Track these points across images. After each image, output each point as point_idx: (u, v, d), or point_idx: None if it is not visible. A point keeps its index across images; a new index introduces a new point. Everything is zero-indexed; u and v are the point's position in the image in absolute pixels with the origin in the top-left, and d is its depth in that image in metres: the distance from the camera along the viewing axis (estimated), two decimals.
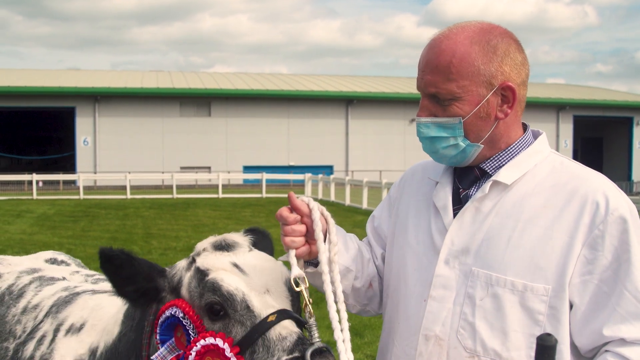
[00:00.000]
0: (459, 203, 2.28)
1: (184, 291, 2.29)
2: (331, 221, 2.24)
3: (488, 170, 2.25)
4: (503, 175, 2.19)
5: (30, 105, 49.35)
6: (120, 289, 2.34)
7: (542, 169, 2.21)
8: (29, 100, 48.18)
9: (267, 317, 2.11)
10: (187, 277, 2.30)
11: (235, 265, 2.25)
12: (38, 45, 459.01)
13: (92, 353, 2.73)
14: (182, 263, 2.40)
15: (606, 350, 2.05)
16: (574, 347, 2.13)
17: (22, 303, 3.27)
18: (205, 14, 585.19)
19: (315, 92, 52.94)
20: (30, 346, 2.96)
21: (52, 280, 3.42)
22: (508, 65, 2.16)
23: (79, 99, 48.16)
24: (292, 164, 51.95)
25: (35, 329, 3.04)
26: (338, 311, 2.11)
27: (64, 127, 55.72)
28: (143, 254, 13.77)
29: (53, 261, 3.81)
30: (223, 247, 2.34)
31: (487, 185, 2.20)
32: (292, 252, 2.18)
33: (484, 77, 2.13)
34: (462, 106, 2.15)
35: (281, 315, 2.13)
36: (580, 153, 62.11)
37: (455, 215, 2.25)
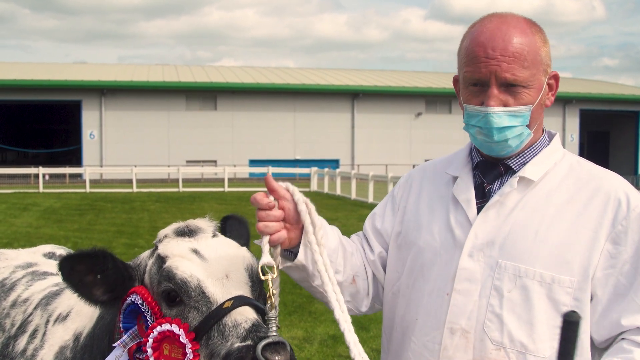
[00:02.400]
0: (481, 197, 2.30)
1: (146, 278, 2.29)
2: (312, 206, 2.16)
3: (513, 167, 2.28)
4: (529, 171, 2.24)
5: (37, 99, 49.48)
6: (90, 295, 2.29)
7: (561, 167, 2.28)
8: (36, 94, 48.29)
9: (223, 303, 2.10)
10: (149, 264, 2.31)
11: (195, 251, 2.24)
12: (45, 38, 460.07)
13: (77, 338, 2.74)
14: (145, 253, 2.40)
15: (622, 338, 2.11)
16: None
17: (12, 297, 3.26)
18: (212, 7, 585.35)
19: (321, 86, 52.91)
20: (23, 340, 2.96)
21: (45, 275, 3.41)
22: (549, 55, 2.24)
23: (85, 92, 48.25)
24: (298, 157, 51.97)
25: (25, 322, 3.04)
26: (335, 292, 2.09)
27: (70, 121, 55.83)
28: (149, 247, 13.73)
29: (51, 255, 3.79)
30: (185, 232, 2.33)
31: (514, 181, 2.23)
32: (266, 239, 2.07)
33: (543, 66, 2.20)
34: (532, 94, 2.18)
35: (238, 301, 2.11)
36: (587, 147, 61.95)
37: (478, 209, 2.27)
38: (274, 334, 2.01)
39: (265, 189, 2.12)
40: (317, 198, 29.74)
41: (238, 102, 51.40)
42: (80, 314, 2.82)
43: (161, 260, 2.25)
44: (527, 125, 2.20)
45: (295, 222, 2.13)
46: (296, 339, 8.22)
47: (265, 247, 2.07)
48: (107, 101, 48.65)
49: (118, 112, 48.86)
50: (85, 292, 2.28)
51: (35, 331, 2.95)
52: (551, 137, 2.37)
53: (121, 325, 2.28)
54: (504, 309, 2.14)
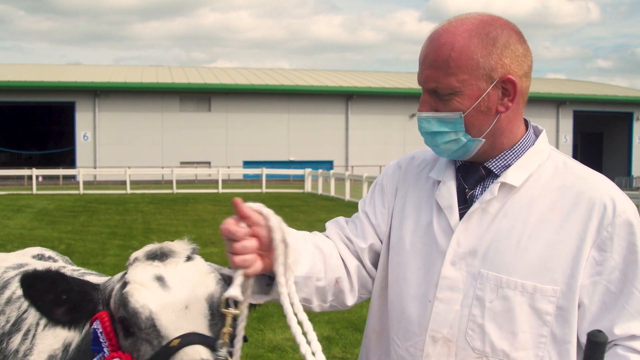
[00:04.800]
0: (463, 203, 2.25)
1: (111, 302, 2.18)
2: (286, 229, 1.99)
3: (494, 170, 2.23)
4: (511, 177, 2.17)
5: (30, 100, 49.32)
6: (50, 314, 2.18)
7: (546, 169, 2.21)
8: (29, 95, 48.13)
9: (170, 341, 1.97)
10: (116, 288, 2.19)
11: (159, 278, 2.10)
12: (41, 40, 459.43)
13: (65, 349, 2.67)
14: (118, 275, 2.29)
15: (616, 344, 2.07)
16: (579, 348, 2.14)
17: (7, 294, 3.24)
18: (206, 9, 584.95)
19: (315, 87, 52.89)
20: (17, 339, 2.92)
21: None
22: (508, 57, 2.12)
23: (79, 93, 48.13)
24: (292, 159, 51.95)
25: (19, 319, 3.01)
26: (301, 325, 1.94)
27: (64, 122, 55.64)
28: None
29: (40, 257, 3.77)
30: (156, 256, 2.19)
31: (495, 187, 2.17)
32: (240, 272, 1.90)
33: (484, 71, 2.10)
34: (463, 101, 2.11)
35: (186, 339, 1.96)
36: (580, 148, 62.11)
37: (460, 215, 2.23)
38: None
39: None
40: (311, 199, 29.73)
41: (232, 104, 51.35)
42: None
43: (124, 285, 2.13)
44: (467, 132, 2.15)
45: (268, 249, 1.96)
46: (290, 340, 8.20)
47: (239, 280, 1.90)
48: (100, 102, 48.55)
49: (112, 114, 48.76)
50: (46, 312, 2.18)
51: (28, 331, 2.91)
52: (537, 134, 2.31)
53: (92, 347, 2.18)
54: (485, 318, 2.11)
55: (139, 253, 2.24)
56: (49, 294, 2.16)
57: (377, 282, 2.45)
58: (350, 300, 2.41)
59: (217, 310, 2.05)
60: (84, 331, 2.57)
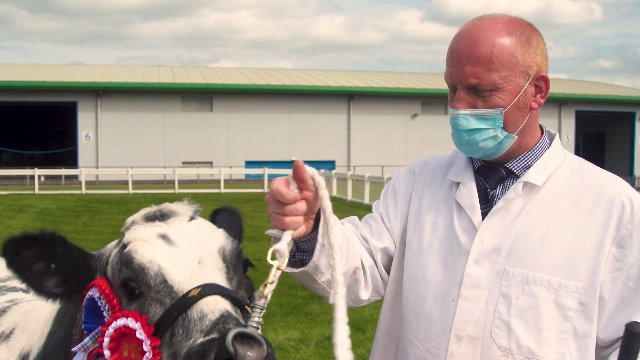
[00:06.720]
0: (484, 203, 2.28)
1: (108, 269, 2.01)
2: (326, 194, 1.93)
3: (515, 171, 2.27)
4: (533, 176, 2.22)
5: (32, 100, 49.35)
6: (39, 286, 1.98)
7: (564, 170, 2.27)
8: (31, 95, 48.16)
9: (189, 292, 1.81)
10: (113, 253, 2.03)
11: (163, 236, 1.97)
12: (42, 40, 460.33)
13: (23, 359, 2.44)
14: (113, 242, 2.12)
15: None
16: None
17: None
18: (208, 9, 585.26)
19: (317, 87, 52.88)
20: None
21: (13, 289, 3.06)
22: (539, 55, 2.19)
23: (81, 93, 48.15)
24: (294, 159, 51.49)
25: None
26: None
27: (66, 122, 55.73)
28: None
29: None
30: (156, 217, 2.07)
31: (519, 186, 2.22)
32: (290, 232, 1.88)
33: (522, 68, 2.15)
34: (503, 97, 2.15)
35: (206, 289, 1.82)
36: (582, 148, 62.04)
37: (482, 214, 2.25)
38: (254, 324, 1.71)
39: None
40: None
41: (234, 104, 51.35)
42: (26, 331, 2.54)
43: (124, 247, 1.97)
44: (504, 128, 2.18)
45: (310, 214, 1.95)
46: (292, 340, 8.21)
47: (287, 238, 1.86)
48: (102, 102, 48.57)
49: (114, 114, 48.77)
50: (35, 283, 1.97)
51: None
52: (551, 138, 2.36)
53: (83, 325, 1.98)
54: (511, 315, 2.13)
55: (136, 216, 2.10)
56: (38, 262, 1.97)
57: (390, 287, 2.45)
58: (365, 294, 2.37)
59: (231, 264, 1.99)
60: (45, 336, 2.38)
